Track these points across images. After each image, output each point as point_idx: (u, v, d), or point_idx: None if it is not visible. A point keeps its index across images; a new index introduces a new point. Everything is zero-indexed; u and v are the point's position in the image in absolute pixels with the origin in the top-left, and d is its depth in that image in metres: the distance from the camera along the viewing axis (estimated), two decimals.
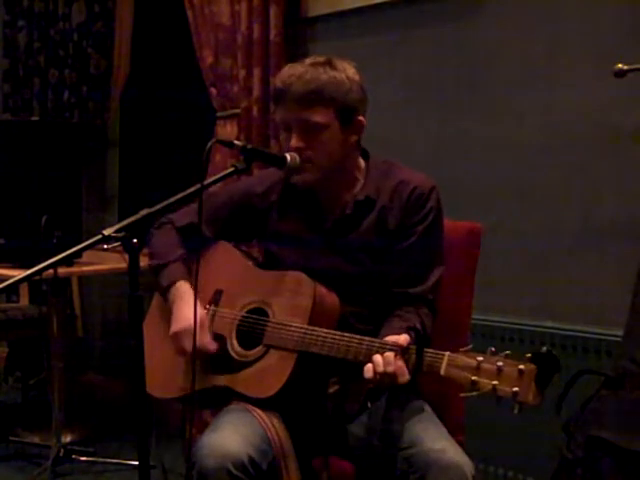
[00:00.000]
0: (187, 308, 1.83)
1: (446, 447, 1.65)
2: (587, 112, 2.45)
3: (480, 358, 1.52)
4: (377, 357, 1.61)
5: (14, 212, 3.12)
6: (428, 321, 1.80)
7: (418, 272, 1.84)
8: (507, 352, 1.51)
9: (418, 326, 1.76)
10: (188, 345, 1.79)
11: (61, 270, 2.81)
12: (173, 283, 1.90)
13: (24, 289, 3.93)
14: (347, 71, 1.80)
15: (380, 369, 1.59)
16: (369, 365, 1.61)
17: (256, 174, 1.98)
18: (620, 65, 2.19)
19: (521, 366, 1.47)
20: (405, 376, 1.60)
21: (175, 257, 1.94)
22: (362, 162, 1.91)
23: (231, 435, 1.65)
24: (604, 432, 1.83)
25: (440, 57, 2.80)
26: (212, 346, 1.83)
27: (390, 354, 1.60)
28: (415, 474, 1.63)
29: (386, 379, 1.60)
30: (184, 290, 1.87)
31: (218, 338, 1.86)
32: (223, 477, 1.59)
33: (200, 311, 1.83)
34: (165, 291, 1.92)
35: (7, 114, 4.32)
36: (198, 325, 1.76)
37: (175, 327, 1.84)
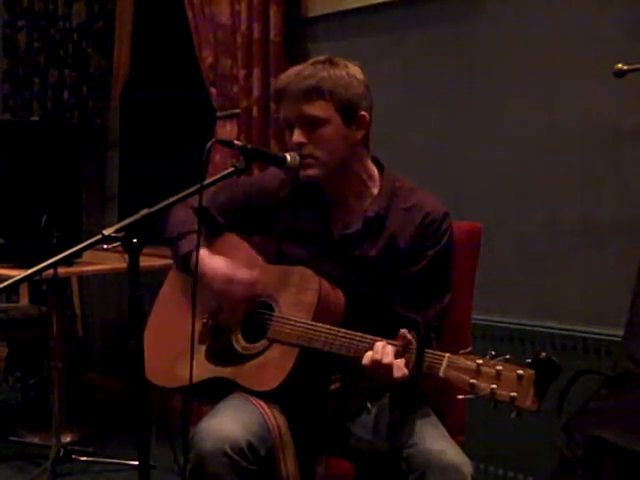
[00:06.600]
0: (217, 260, 1.83)
1: (445, 447, 1.65)
2: (587, 112, 2.45)
3: (480, 361, 1.52)
4: (377, 345, 1.61)
5: (14, 212, 3.12)
6: (433, 340, 1.76)
7: (425, 297, 1.81)
8: (507, 356, 1.51)
9: (421, 330, 1.73)
10: (241, 292, 1.81)
11: (61, 270, 2.81)
12: (193, 250, 1.84)
13: (24, 289, 3.93)
14: (348, 68, 1.79)
15: (378, 356, 1.59)
16: (368, 353, 1.61)
17: (269, 171, 1.97)
18: (620, 65, 2.19)
19: (520, 371, 1.47)
20: (402, 371, 1.59)
21: (194, 228, 1.89)
22: (376, 171, 1.88)
23: (230, 420, 1.65)
24: (604, 432, 1.83)
25: (440, 57, 2.80)
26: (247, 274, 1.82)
27: (390, 347, 1.60)
28: (414, 474, 1.63)
29: (382, 371, 1.59)
30: (206, 252, 1.85)
31: (222, 331, 1.86)
32: (221, 460, 1.59)
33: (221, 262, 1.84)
34: (185, 258, 1.88)
35: (7, 114, 4.32)
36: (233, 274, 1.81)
37: (217, 284, 1.82)
